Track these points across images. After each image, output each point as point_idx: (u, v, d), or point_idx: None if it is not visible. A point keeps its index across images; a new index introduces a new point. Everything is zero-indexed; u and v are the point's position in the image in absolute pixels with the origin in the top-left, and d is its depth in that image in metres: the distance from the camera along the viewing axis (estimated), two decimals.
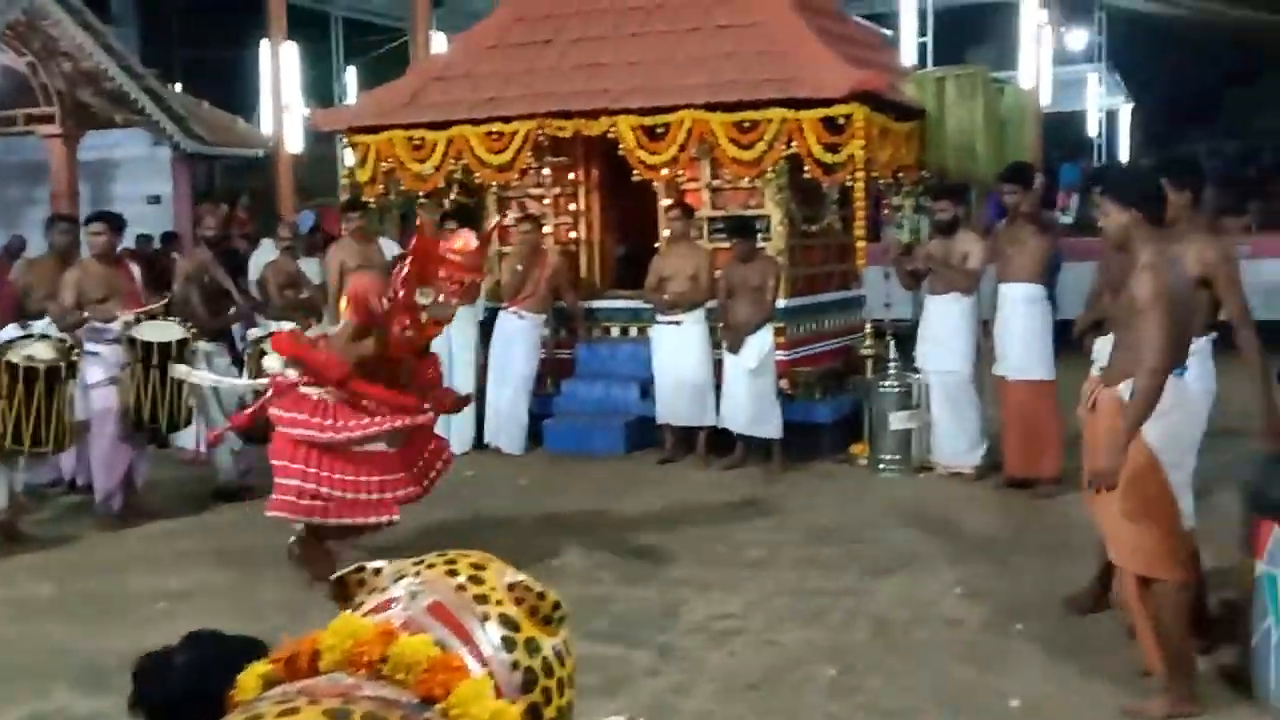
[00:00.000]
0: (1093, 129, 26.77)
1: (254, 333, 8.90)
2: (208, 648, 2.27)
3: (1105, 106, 27.09)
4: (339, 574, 1.69)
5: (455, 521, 7.60)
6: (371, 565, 1.68)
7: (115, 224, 8.24)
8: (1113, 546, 4.87)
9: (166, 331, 7.88)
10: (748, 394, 8.90)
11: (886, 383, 8.87)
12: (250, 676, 1.53)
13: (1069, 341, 7.73)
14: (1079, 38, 26.48)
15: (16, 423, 7.19)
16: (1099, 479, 4.66)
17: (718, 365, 9.12)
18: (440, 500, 8.20)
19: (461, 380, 9.89)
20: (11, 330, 7.62)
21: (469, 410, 9.91)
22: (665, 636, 5.61)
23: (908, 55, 16.57)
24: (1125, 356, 4.69)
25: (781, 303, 9.25)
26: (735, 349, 8.93)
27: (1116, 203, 4.73)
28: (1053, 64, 18.93)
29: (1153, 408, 4.55)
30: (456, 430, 9.91)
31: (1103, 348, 5.90)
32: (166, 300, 8.45)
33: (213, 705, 2.14)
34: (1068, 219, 19.21)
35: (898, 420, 8.77)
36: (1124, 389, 4.67)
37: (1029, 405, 8.03)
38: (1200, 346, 5.34)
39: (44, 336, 7.62)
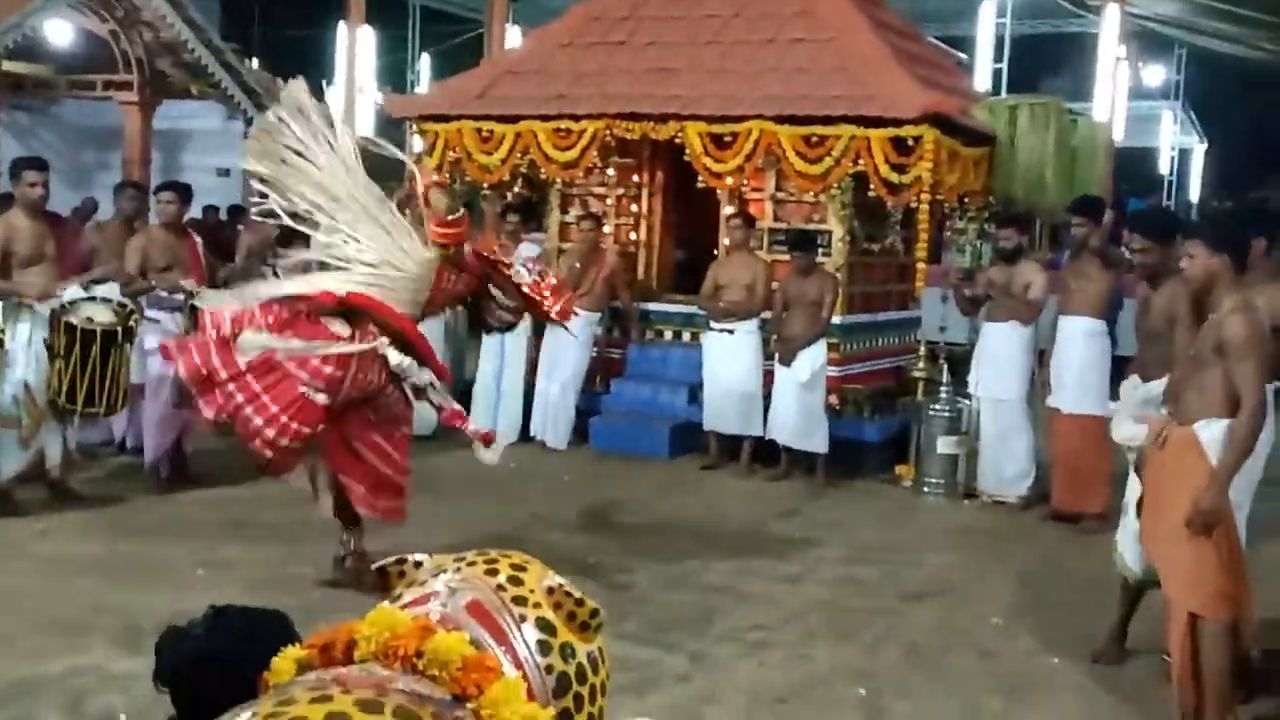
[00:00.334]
0: (1164, 167, 26.45)
1: None
2: (226, 620, 2.31)
3: (1178, 145, 26.77)
4: (379, 564, 1.71)
5: (495, 512, 7.64)
6: (412, 558, 1.70)
7: (184, 194, 8.39)
8: (1170, 583, 4.80)
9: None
10: (796, 407, 8.88)
11: (937, 406, 8.82)
12: (284, 660, 1.55)
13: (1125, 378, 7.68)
14: (1156, 74, 26.18)
15: (71, 382, 7.30)
16: (1205, 518, 4.54)
17: (768, 376, 9.10)
18: (482, 490, 8.26)
19: (512, 373, 9.95)
20: (74, 291, 7.72)
21: (517, 401, 9.98)
22: (697, 643, 5.61)
23: (982, 81, 16.47)
24: (1198, 396, 4.67)
25: (837, 319, 9.21)
26: (787, 361, 8.91)
27: (1206, 246, 4.70)
28: (1128, 99, 18.71)
29: (1252, 449, 4.55)
30: (504, 420, 9.97)
31: (1130, 391, 5.85)
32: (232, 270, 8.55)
33: (231, 676, 2.17)
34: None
35: (945, 444, 8.71)
36: (1199, 429, 4.63)
37: (1080, 439, 7.95)
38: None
39: (105, 300, 7.72)
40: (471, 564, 1.64)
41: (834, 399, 9.26)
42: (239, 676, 2.16)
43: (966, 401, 8.74)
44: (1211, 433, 4.61)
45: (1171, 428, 4.81)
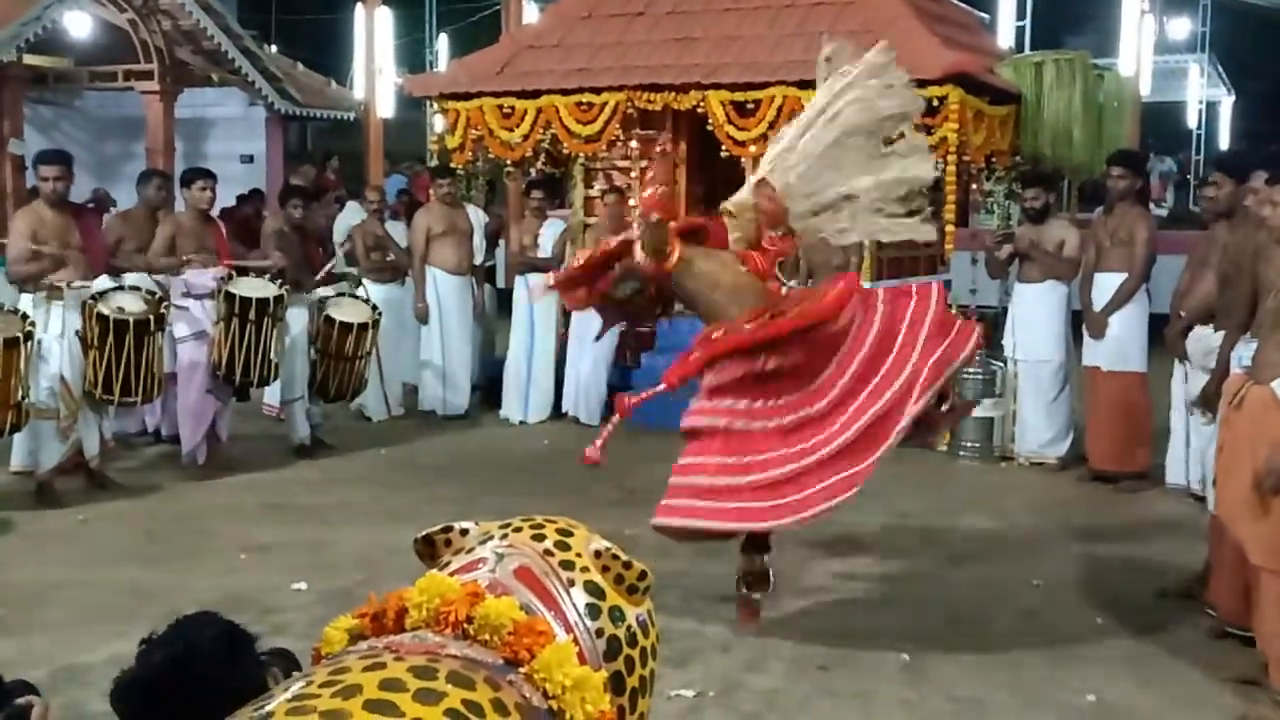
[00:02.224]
0: (1192, 120, 26.13)
1: (322, 291, 8.96)
2: (148, 653, 2.24)
3: (1206, 98, 26.41)
4: (426, 532, 1.70)
5: (530, 490, 7.64)
6: (459, 526, 1.69)
7: (215, 180, 8.40)
8: (1255, 547, 4.57)
9: (261, 288, 8.00)
10: None
11: (970, 369, 8.75)
12: (336, 630, 1.54)
13: (1159, 334, 7.61)
14: (1181, 27, 25.81)
15: (107, 373, 7.33)
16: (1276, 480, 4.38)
17: None
18: (517, 469, 8.29)
19: (543, 350, 9.94)
20: (103, 281, 7.75)
21: (549, 379, 9.97)
22: (738, 612, 5.59)
23: (1005, 39, 16.27)
24: (1278, 351, 4.47)
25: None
26: None
27: None
28: (1154, 53, 18.46)
29: None
30: (535, 398, 9.97)
31: (1194, 343, 5.74)
32: (270, 263, 8.53)
33: (170, 697, 2.11)
34: (1162, 211, 18.86)
35: (981, 407, 8.65)
36: (1278, 386, 4.44)
37: (1120, 398, 7.88)
38: None
39: (134, 288, 7.75)
40: (518, 530, 1.63)
41: None
42: (167, 695, 2.11)
43: (1000, 364, 8.68)
44: None
45: (1249, 386, 4.59)
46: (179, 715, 1.95)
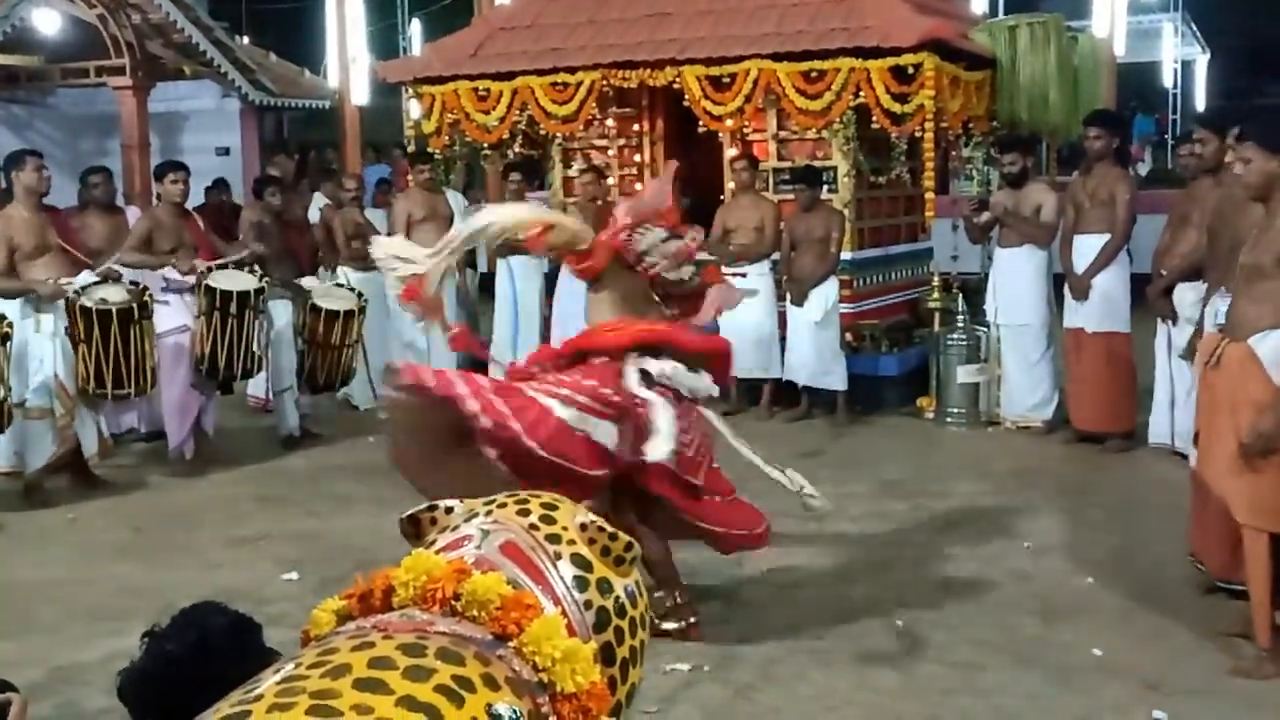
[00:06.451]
0: (1168, 80, 26.14)
1: (309, 282, 8.90)
2: (157, 642, 2.24)
3: (1181, 57, 26.40)
4: (411, 511, 1.70)
5: None
6: (443, 504, 1.69)
7: (188, 173, 8.34)
8: (1239, 505, 4.52)
9: (241, 281, 7.96)
10: (812, 346, 8.85)
11: (954, 336, 8.78)
12: (323, 613, 1.54)
13: (1141, 294, 7.64)
14: None
15: (98, 366, 7.29)
16: (1267, 442, 4.32)
17: (783, 317, 9.06)
18: None
19: (527, 332, 9.92)
20: (85, 277, 7.69)
21: None
22: (732, 587, 5.61)
23: (979, 3, 16.27)
24: (1254, 308, 4.42)
25: (847, 255, 9.16)
26: (799, 302, 8.86)
27: (1263, 149, 4.42)
28: (1127, 14, 18.44)
29: None
30: None
31: (1184, 295, 5.74)
32: (248, 253, 8.45)
33: (172, 687, 2.11)
34: (1141, 172, 18.91)
35: (965, 374, 8.68)
36: (1256, 342, 4.40)
37: (1106, 358, 7.90)
38: None
39: (115, 280, 7.69)
40: (503, 505, 1.64)
41: (850, 336, 9.22)
42: (183, 684, 2.11)
43: (984, 330, 8.71)
44: (1271, 344, 4.36)
45: (1226, 344, 4.54)
46: (192, 703, 1.94)
